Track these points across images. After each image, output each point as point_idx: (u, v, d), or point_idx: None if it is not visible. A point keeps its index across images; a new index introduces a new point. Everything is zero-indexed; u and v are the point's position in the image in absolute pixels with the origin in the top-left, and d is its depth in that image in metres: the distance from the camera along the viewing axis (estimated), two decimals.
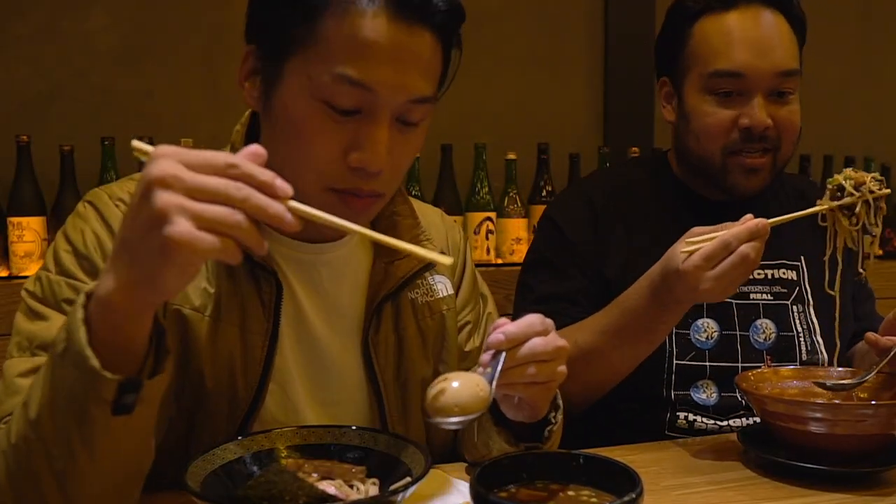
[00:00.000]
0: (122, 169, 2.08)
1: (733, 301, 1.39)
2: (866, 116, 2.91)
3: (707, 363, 1.37)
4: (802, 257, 1.46)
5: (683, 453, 1.16)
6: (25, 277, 1.94)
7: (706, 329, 1.38)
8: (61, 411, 0.73)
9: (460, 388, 0.81)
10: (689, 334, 1.38)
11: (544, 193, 2.40)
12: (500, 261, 2.31)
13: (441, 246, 1.14)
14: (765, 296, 1.42)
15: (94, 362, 0.70)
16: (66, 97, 2.20)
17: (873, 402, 1.06)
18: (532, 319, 0.91)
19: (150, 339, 0.75)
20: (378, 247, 1.11)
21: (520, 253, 2.32)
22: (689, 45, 1.40)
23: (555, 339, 0.92)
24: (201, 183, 0.64)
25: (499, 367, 0.87)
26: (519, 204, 2.36)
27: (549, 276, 1.45)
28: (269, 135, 0.99)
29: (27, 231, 1.98)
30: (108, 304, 0.70)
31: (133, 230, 0.67)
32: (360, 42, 0.89)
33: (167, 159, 0.65)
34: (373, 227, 1.13)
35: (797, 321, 1.43)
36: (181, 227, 0.63)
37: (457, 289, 1.20)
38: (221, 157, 0.66)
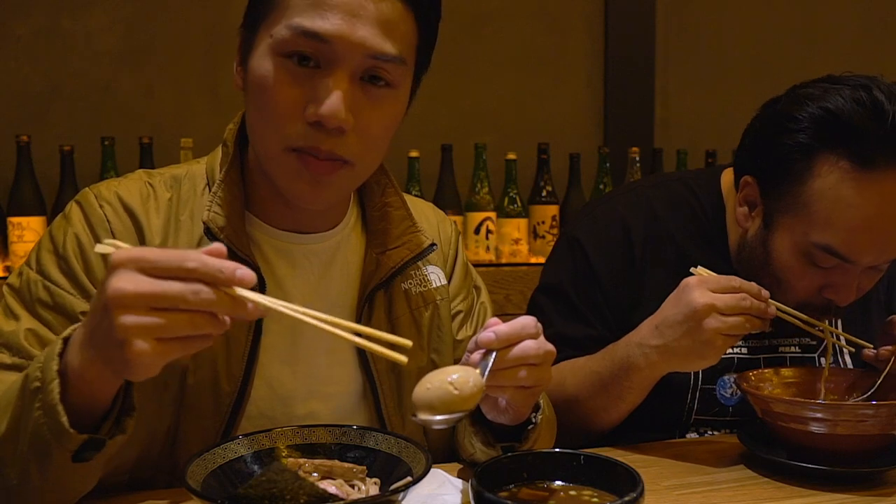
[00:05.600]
0: (122, 169, 2.08)
1: (762, 356, 1.31)
2: None
3: (729, 418, 1.30)
4: None
5: (684, 453, 1.15)
6: None
7: (732, 385, 1.29)
8: (24, 441, 0.78)
9: (449, 384, 0.80)
10: (714, 389, 1.29)
11: (544, 193, 2.40)
12: (500, 261, 2.31)
13: (433, 237, 1.14)
14: (793, 348, 1.33)
15: (64, 419, 0.74)
16: (66, 97, 2.20)
17: (874, 402, 1.06)
18: (526, 321, 0.90)
19: (116, 395, 0.80)
20: (370, 236, 1.12)
21: (520, 253, 2.32)
22: (800, 186, 1.13)
23: (545, 343, 0.91)
24: (161, 293, 0.68)
25: (488, 367, 0.86)
26: (519, 204, 2.36)
27: (564, 313, 1.33)
28: (247, 111, 1.00)
29: (27, 231, 1.98)
30: (79, 375, 0.75)
31: (98, 337, 0.72)
32: None
33: (125, 271, 0.68)
34: (363, 218, 1.13)
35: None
36: (141, 347, 0.67)
37: (448, 279, 1.21)
38: (181, 258, 0.69)
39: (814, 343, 1.35)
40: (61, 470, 0.79)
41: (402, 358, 0.72)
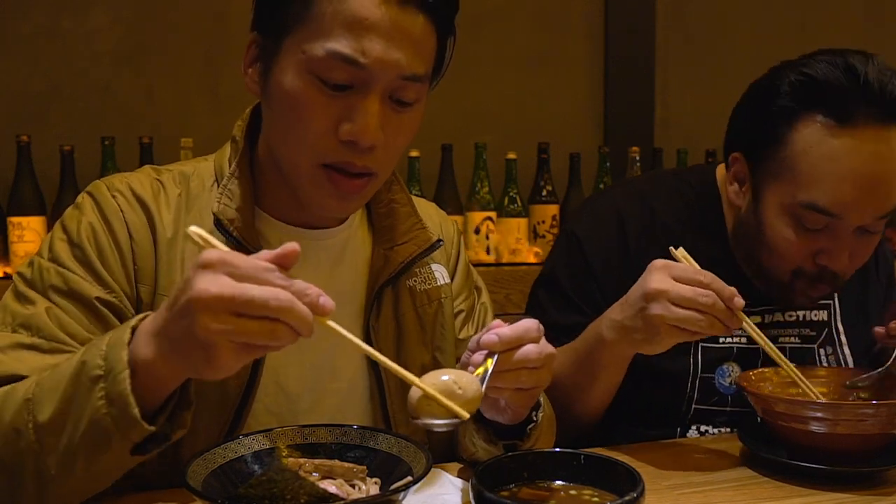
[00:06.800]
0: (123, 169, 2.08)
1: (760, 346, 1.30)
2: None
3: (728, 408, 1.31)
4: (836, 295, 1.37)
5: (684, 453, 1.16)
6: None
7: (731, 374, 1.30)
8: (75, 431, 0.76)
9: (451, 386, 0.80)
10: (713, 378, 1.30)
11: (544, 193, 2.40)
12: (500, 260, 2.31)
13: (436, 235, 1.15)
14: (792, 339, 1.34)
15: (135, 411, 0.74)
16: (66, 97, 2.20)
17: (874, 402, 1.06)
18: (528, 324, 0.91)
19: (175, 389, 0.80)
20: (378, 233, 1.13)
21: (520, 253, 2.31)
22: (784, 149, 1.17)
23: (545, 346, 0.92)
24: (247, 298, 0.67)
25: (490, 369, 0.86)
26: (519, 204, 2.36)
27: (559, 304, 1.36)
28: (268, 117, 1.01)
29: (27, 231, 1.98)
30: (147, 366, 0.75)
31: (175, 332, 0.71)
32: (352, 18, 0.90)
33: (213, 273, 0.68)
34: (370, 214, 1.15)
35: (823, 364, 1.35)
36: (223, 351, 0.68)
37: (451, 278, 1.21)
38: (272, 276, 0.70)
39: (813, 334, 1.36)
40: (114, 462, 0.78)
41: (465, 414, 0.79)
